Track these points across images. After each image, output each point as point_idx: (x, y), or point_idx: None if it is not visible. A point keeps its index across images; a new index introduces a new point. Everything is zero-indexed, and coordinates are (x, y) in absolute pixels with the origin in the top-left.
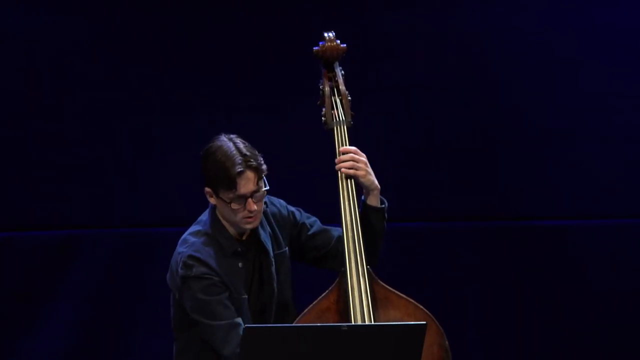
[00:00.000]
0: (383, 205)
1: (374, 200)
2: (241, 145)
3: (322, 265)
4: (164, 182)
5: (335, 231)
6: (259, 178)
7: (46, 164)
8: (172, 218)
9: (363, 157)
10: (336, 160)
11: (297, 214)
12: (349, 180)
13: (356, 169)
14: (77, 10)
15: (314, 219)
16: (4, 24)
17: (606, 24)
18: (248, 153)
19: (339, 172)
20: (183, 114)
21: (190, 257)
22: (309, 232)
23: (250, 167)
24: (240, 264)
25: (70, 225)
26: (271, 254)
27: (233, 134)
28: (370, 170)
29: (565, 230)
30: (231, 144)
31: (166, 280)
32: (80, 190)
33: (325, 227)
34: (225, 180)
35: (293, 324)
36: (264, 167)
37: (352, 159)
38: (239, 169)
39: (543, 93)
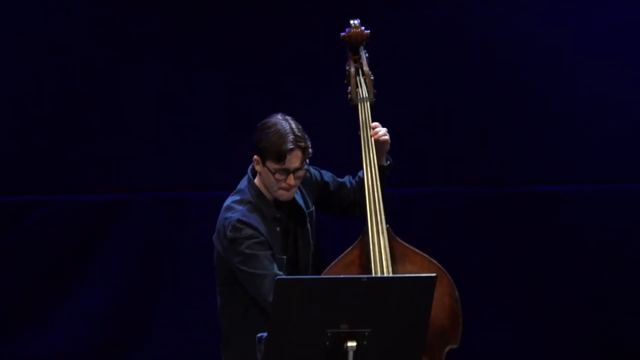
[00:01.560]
0: (389, 162)
1: (383, 161)
2: (294, 126)
3: (349, 213)
4: (198, 149)
5: (348, 182)
6: (304, 158)
7: (91, 132)
8: (205, 182)
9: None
10: (374, 133)
11: (317, 174)
12: (371, 151)
13: (386, 136)
14: None
15: (329, 174)
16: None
17: None
18: (299, 134)
19: (363, 143)
20: (215, 87)
21: (239, 221)
22: (331, 189)
23: (299, 147)
24: (278, 229)
25: (112, 189)
26: (306, 213)
27: (288, 115)
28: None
29: (559, 195)
30: (286, 123)
31: (202, 240)
32: (120, 156)
33: (340, 180)
34: (276, 153)
35: (320, 276)
36: (310, 150)
37: (386, 134)
38: (290, 146)
39: (540, 67)
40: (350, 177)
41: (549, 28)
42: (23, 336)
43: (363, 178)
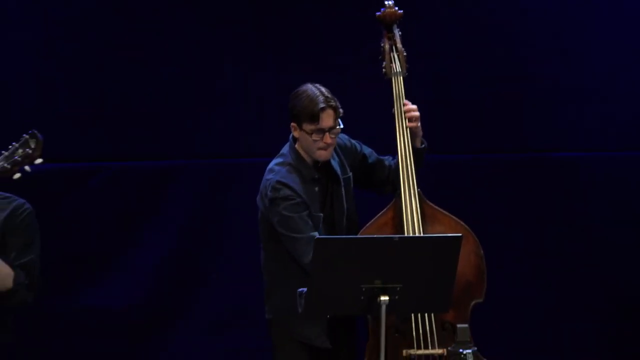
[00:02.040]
0: (423, 145)
1: (418, 142)
2: (323, 90)
3: (379, 189)
4: (245, 119)
5: (386, 161)
6: (337, 117)
7: (147, 102)
8: (251, 150)
9: (416, 107)
10: (405, 110)
11: (357, 146)
12: (404, 120)
13: (417, 121)
14: None
15: (370, 150)
16: None
17: None
18: (329, 96)
19: (396, 112)
20: (258, 63)
21: (278, 182)
22: (369, 162)
23: (330, 106)
24: (316, 189)
25: (166, 156)
26: (341, 178)
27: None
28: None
29: (574, 162)
30: (315, 88)
31: (249, 204)
32: (174, 125)
33: (380, 157)
34: (310, 114)
35: (355, 236)
36: (341, 109)
37: (415, 110)
38: (322, 106)
39: (553, 43)
40: (390, 158)
41: (564, 4)
42: (84, 291)
43: (397, 160)
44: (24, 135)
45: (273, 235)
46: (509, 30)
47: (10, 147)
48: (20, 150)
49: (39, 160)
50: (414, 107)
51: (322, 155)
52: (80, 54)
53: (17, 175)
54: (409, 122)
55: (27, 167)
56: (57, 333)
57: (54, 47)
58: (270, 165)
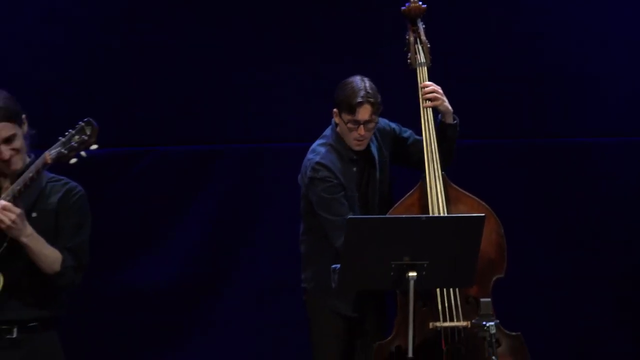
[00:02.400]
0: (455, 121)
1: (449, 119)
2: (367, 85)
3: (418, 167)
4: (283, 105)
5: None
6: (374, 112)
7: (188, 89)
8: (288, 135)
9: (440, 89)
10: (422, 92)
11: (396, 129)
12: (428, 109)
13: (437, 98)
14: None
15: (409, 132)
16: None
17: None
18: (371, 92)
19: (421, 100)
20: (297, 51)
21: (318, 163)
22: (408, 143)
23: (368, 102)
24: (354, 169)
25: (207, 141)
26: (377, 161)
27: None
28: (445, 98)
29: (586, 147)
30: (361, 82)
31: (283, 184)
32: (214, 111)
33: (418, 137)
34: (348, 105)
35: (385, 216)
36: (381, 106)
37: (434, 91)
38: (360, 100)
39: (567, 32)
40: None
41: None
42: (129, 268)
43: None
44: (80, 122)
45: (311, 211)
46: (528, 21)
47: (66, 133)
48: (76, 137)
49: (94, 146)
50: (433, 87)
51: (355, 145)
52: (124, 43)
53: (73, 160)
54: (428, 101)
55: (82, 153)
56: (106, 307)
57: (100, 36)
58: (313, 145)
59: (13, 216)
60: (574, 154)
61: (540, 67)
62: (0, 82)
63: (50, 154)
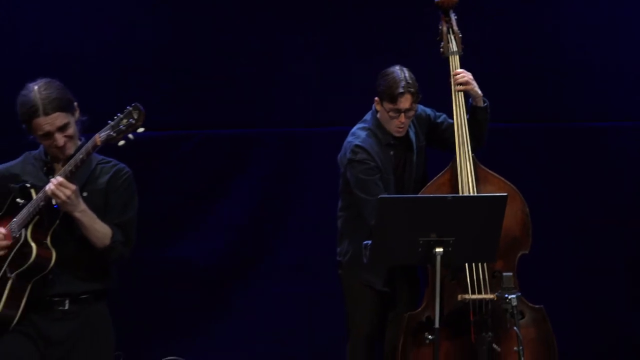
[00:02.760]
0: (486, 104)
1: (479, 102)
2: (407, 75)
3: (451, 150)
4: (320, 91)
5: None
6: (414, 101)
7: (230, 76)
8: (327, 119)
9: (470, 75)
10: (454, 78)
11: (431, 114)
12: (460, 94)
13: (468, 83)
14: None
15: (443, 116)
16: None
17: None
18: (410, 82)
19: (453, 86)
20: (337, 45)
21: (357, 146)
22: (442, 127)
23: (409, 92)
24: (391, 152)
25: (246, 125)
26: (414, 146)
27: (405, 67)
28: (475, 83)
29: (599, 130)
30: (401, 72)
31: (320, 166)
32: (253, 98)
33: (451, 121)
34: (390, 95)
35: (413, 195)
36: (420, 95)
37: (465, 76)
38: (401, 90)
39: (584, 25)
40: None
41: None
42: (174, 244)
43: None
44: (128, 107)
45: (348, 189)
46: (555, 20)
47: (115, 117)
48: (124, 121)
49: (141, 129)
50: (464, 73)
51: (396, 131)
52: (173, 31)
53: (121, 142)
54: (459, 85)
55: (130, 136)
56: (154, 281)
57: (148, 27)
58: (353, 129)
59: (68, 192)
60: (593, 137)
61: (560, 57)
62: (56, 67)
63: (100, 137)
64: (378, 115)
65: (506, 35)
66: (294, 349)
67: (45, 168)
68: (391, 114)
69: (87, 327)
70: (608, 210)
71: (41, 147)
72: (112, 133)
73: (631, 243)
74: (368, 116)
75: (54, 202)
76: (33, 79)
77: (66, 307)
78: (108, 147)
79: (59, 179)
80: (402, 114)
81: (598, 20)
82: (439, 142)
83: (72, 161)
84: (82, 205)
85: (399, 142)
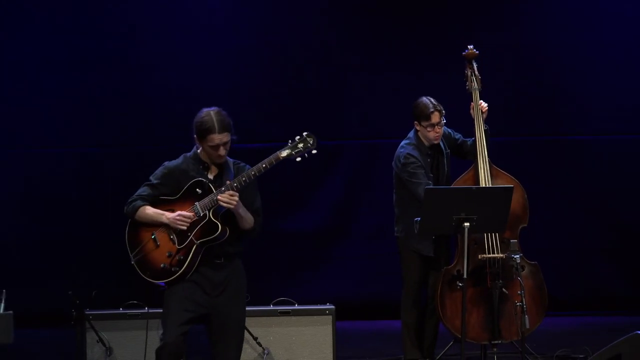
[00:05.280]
0: (486, 127)
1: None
2: (433, 100)
3: (464, 157)
4: (383, 109)
5: (468, 142)
6: (441, 116)
7: (314, 94)
8: (390, 133)
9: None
10: (480, 107)
11: (452, 133)
12: (480, 118)
13: (486, 112)
14: None
15: (459, 135)
16: None
17: None
18: (436, 104)
19: (475, 113)
20: (391, 72)
21: (408, 154)
22: (458, 142)
23: (437, 110)
24: (428, 159)
25: (329, 138)
26: (444, 152)
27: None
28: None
29: (595, 143)
30: (427, 99)
31: (384, 171)
32: (335, 112)
33: (464, 139)
34: (425, 115)
35: (449, 186)
36: (444, 111)
37: (485, 106)
38: (432, 110)
39: (585, 45)
40: (469, 140)
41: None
42: (286, 220)
43: (474, 140)
44: (304, 133)
45: (402, 184)
46: (557, 50)
47: (292, 141)
48: (301, 144)
49: (314, 151)
50: (484, 105)
51: (435, 139)
52: (278, 64)
53: (298, 159)
54: (484, 113)
55: (305, 154)
56: (274, 244)
57: (262, 51)
58: (402, 143)
59: (236, 199)
60: (587, 149)
61: (559, 78)
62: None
63: (281, 154)
64: (419, 134)
65: (517, 70)
66: (372, 287)
67: (201, 167)
68: (428, 128)
69: (233, 275)
70: (586, 199)
71: (194, 150)
72: (292, 152)
73: (601, 222)
74: (411, 134)
75: (222, 204)
76: (194, 100)
77: (222, 261)
78: (231, 153)
79: (230, 192)
80: (436, 127)
81: (598, 54)
82: (456, 151)
83: (255, 167)
84: (241, 204)
85: (433, 151)
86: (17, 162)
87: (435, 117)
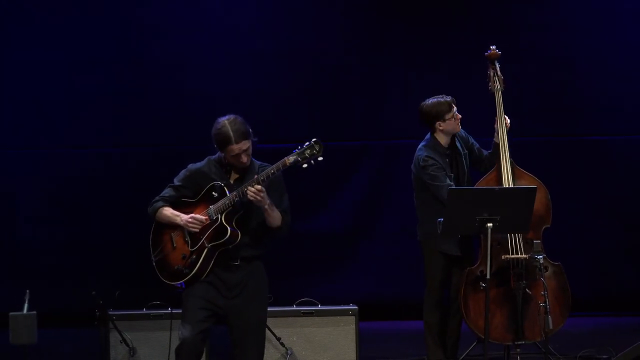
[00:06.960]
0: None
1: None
2: (439, 95)
3: (477, 166)
4: (404, 111)
5: (484, 152)
6: (455, 104)
7: (342, 97)
8: (410, 134)
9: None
10: (505, 119)
11: (469, 138)
12: (502, 119)
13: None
14: None
15: (478, 145)
16: None
17: None
18: (444, 95)
19: (498, 115)
20: (416, 78)
21: (427, 156)
22: (474, 148)
23: (451, 99)
24: (447, 159)
25: (354, 139)
26: (461, 152)
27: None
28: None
29: (619, 144)
30: (441, 97)
31: (404, 173)
32: (359, 116)
33: (481, 149)
34: (445, 109)
35: (472, 187)
36: (460, 116)
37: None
38: (448, 101)
39: (599, 49)
40: (485, 151)
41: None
42: (309, 220)
43: (492, 150)
44: (312, 140)
45: (422, 187)
46: (580, 50)
47: (300, 147)
48: (307, 151)
49: (320, 158)
50: (509, 120)
51: (459, 128)
52: (302, 68)
53: (305, 165)
54: (508, 125)
55: (312, 161)
56: (296, 245)
57: (284, 56)
58: (420, 145)
59: (262, 194)
60: (610, 149)
61: (583, 79)
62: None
63: (289, 160)
64: (436, 135)
65: (542, 73)
66: (395, 287)
67: (223, 170)
68: (453, 120)
69: (251, 277)
70: (610, 200)
71: (218, 154)
72: (298, 159)
73: (624, 223)
74: (428, 136)
75: (251, 198)
76: (217, 101)
77: (238, 263)
78: (255, 154)
79: (257, 187)
80: (455, 114)
81: (611, 59)
82: (470, 158)
83: (263, 173)
84: (269, 200)
85: (451, 151)
86: (44, 163)
87: (454, 105)
